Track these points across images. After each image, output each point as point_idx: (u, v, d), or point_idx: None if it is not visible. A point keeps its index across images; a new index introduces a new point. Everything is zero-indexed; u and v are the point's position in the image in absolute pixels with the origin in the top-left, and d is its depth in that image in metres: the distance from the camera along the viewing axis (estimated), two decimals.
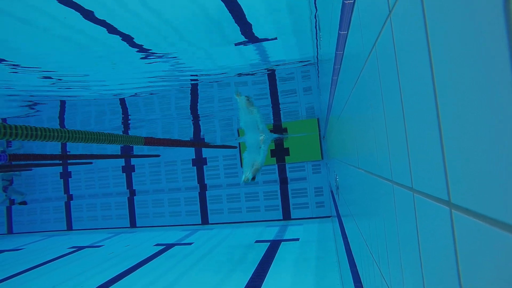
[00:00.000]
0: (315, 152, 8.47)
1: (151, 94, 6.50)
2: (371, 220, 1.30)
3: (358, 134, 1.44)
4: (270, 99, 7.28)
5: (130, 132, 9.32)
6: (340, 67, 1.88)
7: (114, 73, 5.40)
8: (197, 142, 9.24)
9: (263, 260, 5.50)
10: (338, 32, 1.44)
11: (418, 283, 0.69)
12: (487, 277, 0.40)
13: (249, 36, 4.18)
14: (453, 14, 0.42)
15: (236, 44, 4.40)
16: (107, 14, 3.40)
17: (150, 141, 3.59)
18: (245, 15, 3.65)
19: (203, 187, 9.21)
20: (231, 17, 3.63)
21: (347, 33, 1.38)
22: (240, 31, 4.03)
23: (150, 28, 3.81)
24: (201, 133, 9.58)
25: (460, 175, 0.45)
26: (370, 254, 1.41)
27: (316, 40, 4.30)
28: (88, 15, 3.39)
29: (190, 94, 6.71)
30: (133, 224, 9.61)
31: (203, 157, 9.24)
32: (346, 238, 2.79)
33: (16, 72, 4.80)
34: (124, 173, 9.79)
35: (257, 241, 6.83)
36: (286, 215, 8.59)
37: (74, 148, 9.78)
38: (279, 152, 8.68)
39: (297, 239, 6.65)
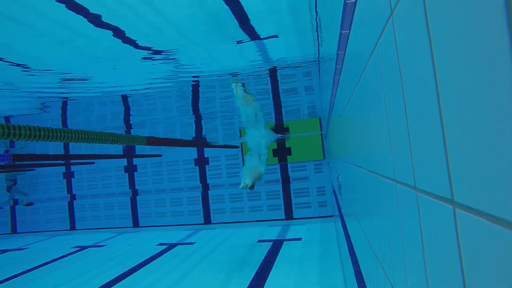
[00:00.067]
0: (317, 151, 8.47)
1: (150, 95, 6.52)
2: (374, 219, 1.30)
3: (361, 133, 1.44)
4: (272, 98, 7.28)
5: (132, 132, 9.35)
6: (342, 67, 1.88)
7: (115, 75, 5.42)
8: (199, 141, 9.25)
9: (266, 260, 5.50)
10: (340, 32, 1.44)
11: (422, 281, 0.69)
12: (491, 275, 0.40)
13: (250, 34, 4.18)
14: (455, 13, 0.43)
15: (237, 43, 4.40)
16: (107, 14, 3.41)
17: (153, 141, 3.60)
18: (246, 14, 3.65)
19: (205, 187, 9.22)
20: (232, 14, 3.63)
21: (349, 32, 1.38)
22: (241, 29, 4.03)
23: (151, 27, 3.82)
24: (203, 133, 9.60)
25: (463, 174, 0.45)
26: (373, 253, 1.41)
27: (317, 39, 4.29)
28: (95, 18, 3.42)
29: (192, 93, 6.72)
30: (135, 223, 9.64)
31: (205, 156, 9.26)
32: (349, 237, 2.79)
33: (32, 75, 4.88)
34: (127, 173, 9.82)
35: (259, 241, 6.84)
36: (289, 215, 8.60)
37: (77, 148, 9.82)
38: (281, 152, 8.68)
39: (300, 239, 6.65)
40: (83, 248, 7.84)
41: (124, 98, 6.64)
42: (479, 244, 0.42)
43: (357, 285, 1.93)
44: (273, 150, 8.62)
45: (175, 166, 9.44)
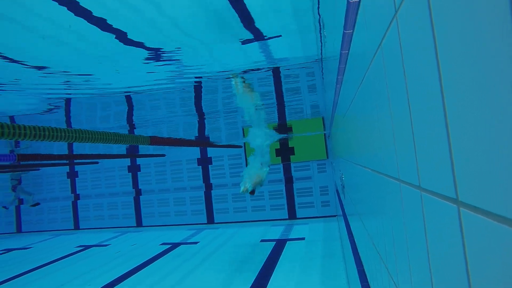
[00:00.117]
0: (320, 151, 8.46)
1: (153, 95, 6.54)
2: (378, 218, 1.30)
3: (364, 132, 1.44)
4: (275, 98, 7.28)
5: (136, 132, 9.39)
6: (345, 66, 1.87)
7: (118, 76, 5.44)
8: (202, 141, 9.27)
9: (269, 260, 5.51)
10: (343, 31, 1.44)
11: (426, 281, 0.69)
12: (496, 274, 0.40)
13: (253, 33, 4.18)
14: (460, 13, 0.43)
15: (240, 41, 4.40)
16: (107, 14, 3.43)
17: (156, 141, 3.62)
18: (250, 13, 3.65)
19: (208, 187, 9.24)
20: (235, 13, 3.63)
21: (353, 32, 1.38)
22: (245, 29, 4.03)
23: (153, 27, 3.83)
24: (206, 132, 9.61)
25: (467, 173, 0.45)
26: (377, 252, 1.41)
27: (320, 38, 4.29)
28: (100, 21, 3.45)
29: (194, 93, 6.73)
30: (139, 223, 9.68)
31: (208, 156, 9.27)
32: (352, 237, 2.78)
33: (45, 77, 4.95)
34: (130, 173, 9.86)
35: (262, 240, 6.84)
36: (292, 215, 8.59)
37: (81, 147, 9.87)
38: (284, 152, 8.68)
39: (303, 238, 6.65)
40: (87, 247, 7.88)
41: (128, 97, 6.66)
42: (484, 244, 0.42)
43: (360, 285, 1.93)
44: (276, 149, 8.61)
45: (179, 166, 9.47)
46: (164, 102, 7.09)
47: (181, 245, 7.15)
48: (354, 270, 2.48)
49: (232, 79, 5.84)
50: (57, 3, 3.03)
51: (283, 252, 5.84)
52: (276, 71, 5.92)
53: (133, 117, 8.13)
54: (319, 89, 7.03)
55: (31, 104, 6.54)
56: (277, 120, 8.76)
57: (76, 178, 10.33)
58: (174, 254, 6.50)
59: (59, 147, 9.83)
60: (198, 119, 8.53)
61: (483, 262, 0.43)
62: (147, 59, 4.72)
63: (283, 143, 8.67)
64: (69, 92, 6.07)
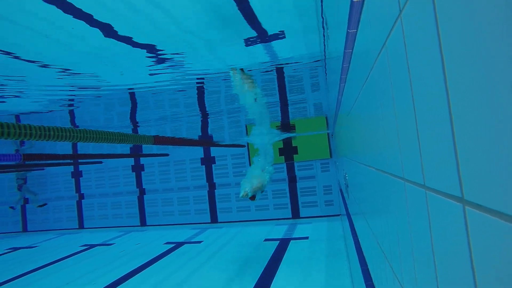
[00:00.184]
0: (324, 150, 8.45)
1: (156, 93, 6.56)
2: (382, 217, 1.30)
3: (368, 132, 1.44)
4: (278, 97, 7.27)
5: (139, 131, 9.42)
6: (349, 65, 1.87)
7: (123, 79, 5.48)
8: (206, 141, 9.28)
9: (272, 259, 5.51)
10: (347, 30, 1.44)
11: (431, 280, 0.70)
12: (502, 273, 0.40)
13: (257, 33, 4.18)
14: (465, 13, 0.43)
15: (244, 40, 4.41)
16: (109, 16, 3.46)
17: (160, 140, 3.63)
18: (253, 11, 3.65)
19: (212, 186, 9.25)
20: (239, 11, 3.64)
21: (356, 31, 1.38)
22: (249, 26, 4.03)
23: (156, 27, 3.84)
24: (209, 132, 9.63)
25: (473, 171, 0.45)
26: (381, 252, 1.41)
27: (323, 37, 4.29)
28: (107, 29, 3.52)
29: (197, 93, 6.74)
30: (143, 222, 9.72)
31: (212, 156, 9.29)
32: (356, 236, 2.78)
33: (61, 78, 5.08)
34: (134, 172, 9.90)
35: (266, 240, 6.85)
36: (295, 214, 8.59)
37: (85, 147, 9.92)
38: (288, 151, 8.67)
39: (306, 238, 6.65)
40: (91, 246, 7.93)
41: (132, 95, 6.68)
42: (490, 243, 0.42)
43: (364, 284, 1.93)
44: (280, 149, 8.61)
45: (182, 165, 9.50)
46: (168, 100, 7.11)
47: (185, 244, 7.18)
48: (358, 269, 2.48)
49: (231, 72, 5.72)
50: (72, 16, 3.18)
51: (286, 251, 5.84)
52: (279, 70, 5.92)
53: (136, 116, 8.16)
54: (322, 88, 7.02)
55: (37, 103, 6.60)
56: (280, 119, 8.75)
57: (81, 178, 10.39)
58: (178, 253, 6.53)
59: (63, 147, 9.89)
60: (201, 118, 8.55)
61: (489, 261, 0.43)
62: (150, 58, 4.74)
63: (287, 142, 8.66)
64: (73, 94, 6.12)
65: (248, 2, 3.41)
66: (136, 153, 9.46)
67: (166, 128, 9.25)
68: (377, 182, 1.35)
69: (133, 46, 4.11)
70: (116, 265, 6.11)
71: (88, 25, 3.48)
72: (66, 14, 3.24)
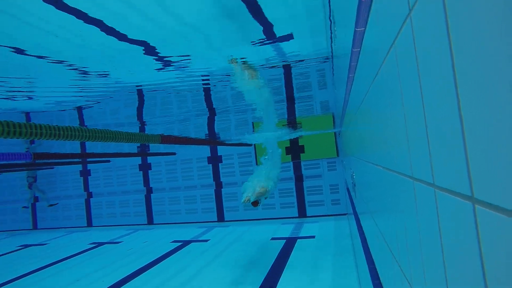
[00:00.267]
0: (331, 149, 8.41)
1: (164, 90, 6.60)
2: (391, 217, 1.30)
3: (377, 131, 1.44)
4: (285, 95, 7.25)
5: (147, 129, 9.49)
6: (356, 64, 1.87)
7: (131, 76, 5.53)
8: (212, 140, 9.31)
9: (279, 258, 5.52)
10: (355, 29, 1.43)
11: (440, 279, 0.70)
12: None
13: (265, 32, 4.18)
14: (475, 12, 0.43)
15: (252, 42, 4.41)
16: (111, 19, 3.53)
17: (167, 140, 3.65)
18: (262, 10, 3.66)
19: (218, 185, 9.28)
20: (248, 12, 3.65)
21: (364, 30, 1.38)
22: (257, 22, 4.05)
23: (165, 30, 3.87)
24: (216, 130, 9.65)
25: (483, 170, 0.45)
26: (389, 250, 1.41)
27: (330, 36, 4.28)
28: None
29: (204, 92, 6.76)
30: (150, 221, 9.79)
31: (218, 155, 9.31)
32: (363, 235, 2.77)
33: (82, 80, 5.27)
34: (141, 171, 9.97)
35: (273, 238, 6.85)
36: (302, 213, 8.58)
37: (93, 146, 10.02)
38: (294, 150, 8.66)
39: (313, 237, 6.64)
40: (99, 244, 8.01)
41: (140, 92, 6.73)
42: (500, 241, 0.43)
43: (372, 283, 1.92)
44: (286, 148, 8.60)
45: (189, 164, 9.54)
46: (176, 98, 7.14)
47: (192, 243, 7.22)
48: (365, 268, 2.48)
49: (231, 65, 5.56)
50: (83, 21, 3.44)
51: (293, 250, 5.84)
52: (286, 68, 5.91)
53: (143, 115, 8.21)
54: (329, 86, 6.99)
55: (48, 103, 6.69)
56: (287, 117, 8.73)
57: (89, 177, 10.50)
58: (185, 252, 6.57)
59: (71, 146, 10.00)
60: (208, 116, 8.56)
61: (500, 260, 0.43)
62: (156, 59, 4.78)
63: (293, 141, 8.64)
64: (81, 96, 6.20)
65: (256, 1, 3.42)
66: (143, 152, 9.52)
67: (173, 128, 9.30)
68: (385, 181, 1.34)
69: (145, 53, 4.18)
70: (124, 263, 6.17)
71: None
72: (89, 24, 3.43)
